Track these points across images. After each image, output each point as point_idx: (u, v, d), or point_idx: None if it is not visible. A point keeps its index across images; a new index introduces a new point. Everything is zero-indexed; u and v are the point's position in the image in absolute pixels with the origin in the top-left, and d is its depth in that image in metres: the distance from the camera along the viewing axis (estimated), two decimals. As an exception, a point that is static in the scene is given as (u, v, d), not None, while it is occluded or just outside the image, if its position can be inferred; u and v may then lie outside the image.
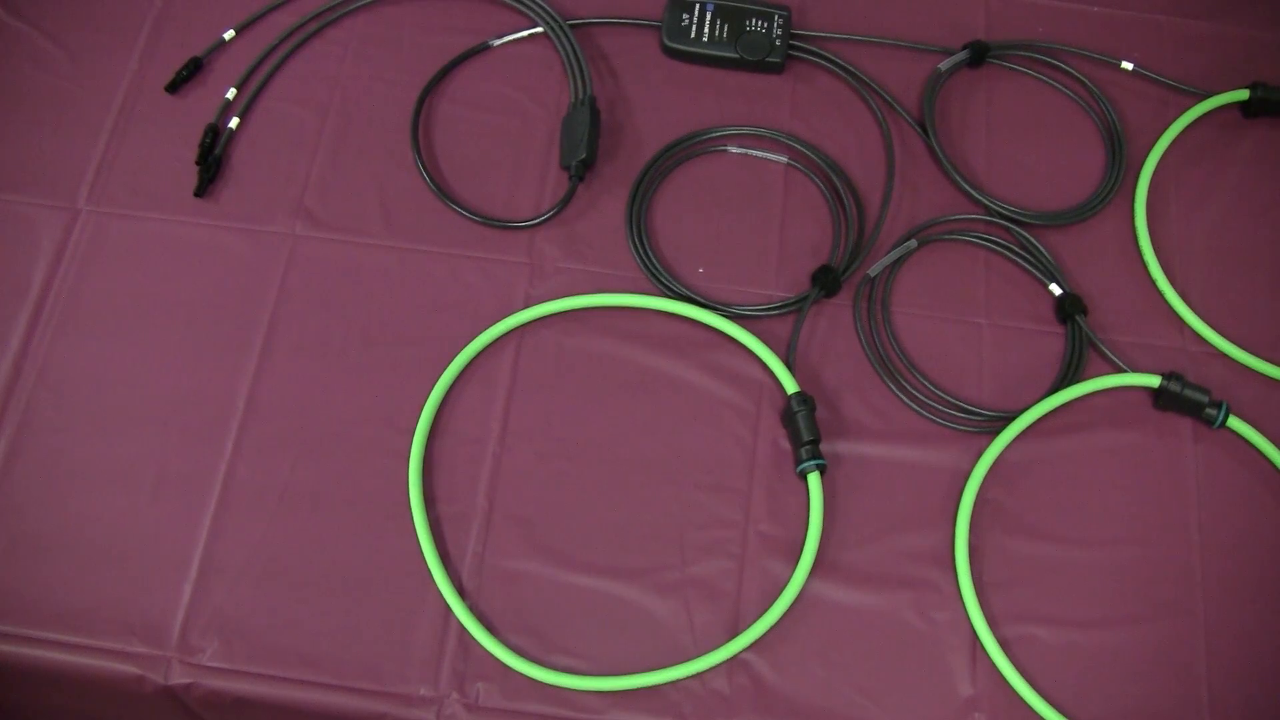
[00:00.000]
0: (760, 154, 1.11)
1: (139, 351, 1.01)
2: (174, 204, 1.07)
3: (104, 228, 1.05)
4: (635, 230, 1.06)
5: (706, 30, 1.14)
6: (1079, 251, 1.09)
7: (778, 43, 1.13)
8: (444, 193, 1.07)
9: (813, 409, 0.97)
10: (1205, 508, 0.99)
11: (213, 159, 1.07)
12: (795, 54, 1.15)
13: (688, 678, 0.91)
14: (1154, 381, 1.00)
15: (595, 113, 1.09)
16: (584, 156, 1.06)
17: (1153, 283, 1.07)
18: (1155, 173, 1.12)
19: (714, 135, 1.12)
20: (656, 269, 1.04)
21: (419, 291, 1.04)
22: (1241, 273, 1.09)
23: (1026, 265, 1.07)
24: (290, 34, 1.15)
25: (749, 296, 1.05)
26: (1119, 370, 1.02)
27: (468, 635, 0.92)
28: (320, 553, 0.94)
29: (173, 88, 1.11)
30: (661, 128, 1.12)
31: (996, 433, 0.99)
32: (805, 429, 0.96)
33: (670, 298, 1.03)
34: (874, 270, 1.05)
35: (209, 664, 0.91)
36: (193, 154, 1.08)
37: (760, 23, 1.14)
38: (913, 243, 1.07)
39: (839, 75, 1.15)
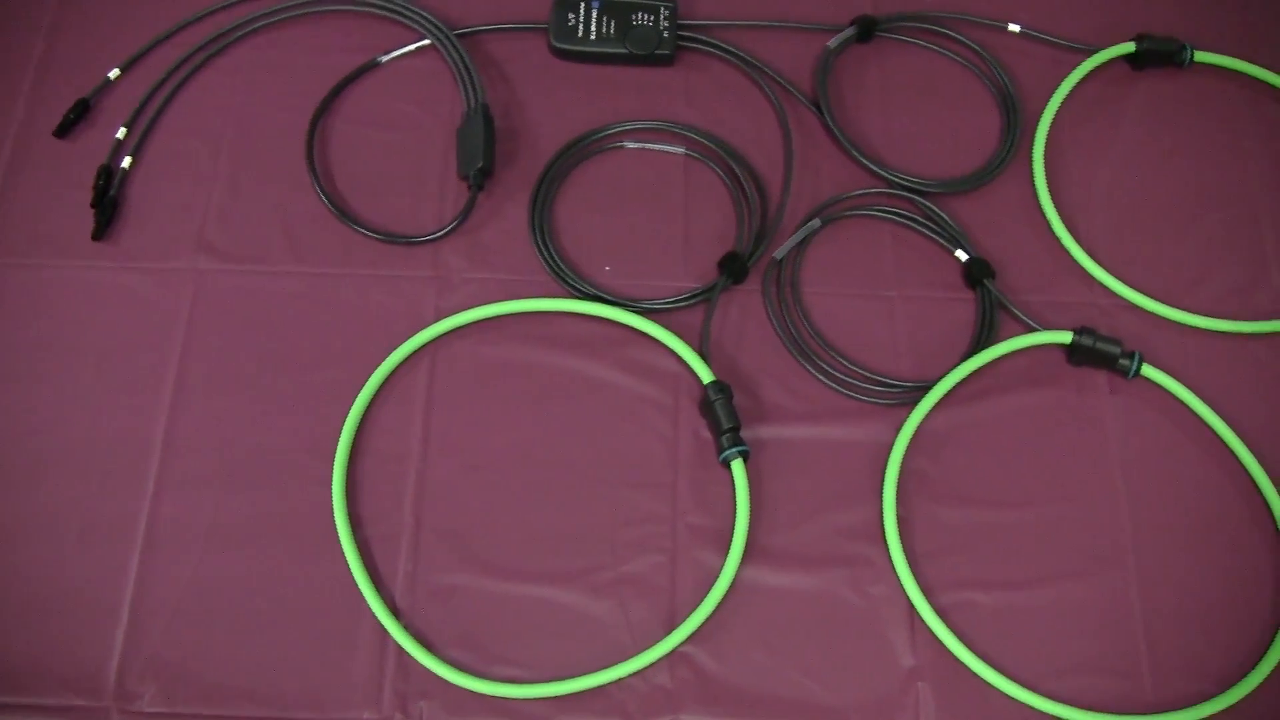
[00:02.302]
0: (658, 147, 1.11)
1: (50, 400, 0.99)
2: (73, 249, 1.05)
3: (3, 279, 1.04)
4: (539, 234, 1.06)
5: (594, 28, 1.13)
6: (983, 216, 1.09)
7: (666, 34, 1.13)
8: (345, 213, 1.07)
9: (730, 396, 0.98)
10: (1128, 458, 1.00)
11: (108, 200, 1.06)
12: (685, 44, 1.15)
13: (630, 675, 0.91)
14: (1066, 338, 1.01)
15: (489, 120, 1.08)
16: (481, 165, 1.06)
17: (1057, 240, 1.08)
18: (1050, 131, 1.13)
19: (610, 132, 1.12)
20: (563, 271, 1.04)
21: (328, 315, 1.03)
22: (1142, 223, 1.10)
23: (932, 234, 1.08)
24: (177, 67, 1.14)
25: (658, 290, 1.05)
26: (1031, 330, 1.03)
27: (406, 655, 0.91)
28: (251, 586, 0.94)
29: (62, 132, 1.10)
30: (557, 129, 1.12)
31: (916, 403, 1.00)
32: (724, 417, 0.96)
33: (579, 298, 1.03)
34: (780, 253, 1.06)
35: (149, 710, 0.90)
36: (88, 197, 1.06)
37: (647, 16, 1.14)
38: (816, 222, 1.07)
39: (730, 61, 1.16)
